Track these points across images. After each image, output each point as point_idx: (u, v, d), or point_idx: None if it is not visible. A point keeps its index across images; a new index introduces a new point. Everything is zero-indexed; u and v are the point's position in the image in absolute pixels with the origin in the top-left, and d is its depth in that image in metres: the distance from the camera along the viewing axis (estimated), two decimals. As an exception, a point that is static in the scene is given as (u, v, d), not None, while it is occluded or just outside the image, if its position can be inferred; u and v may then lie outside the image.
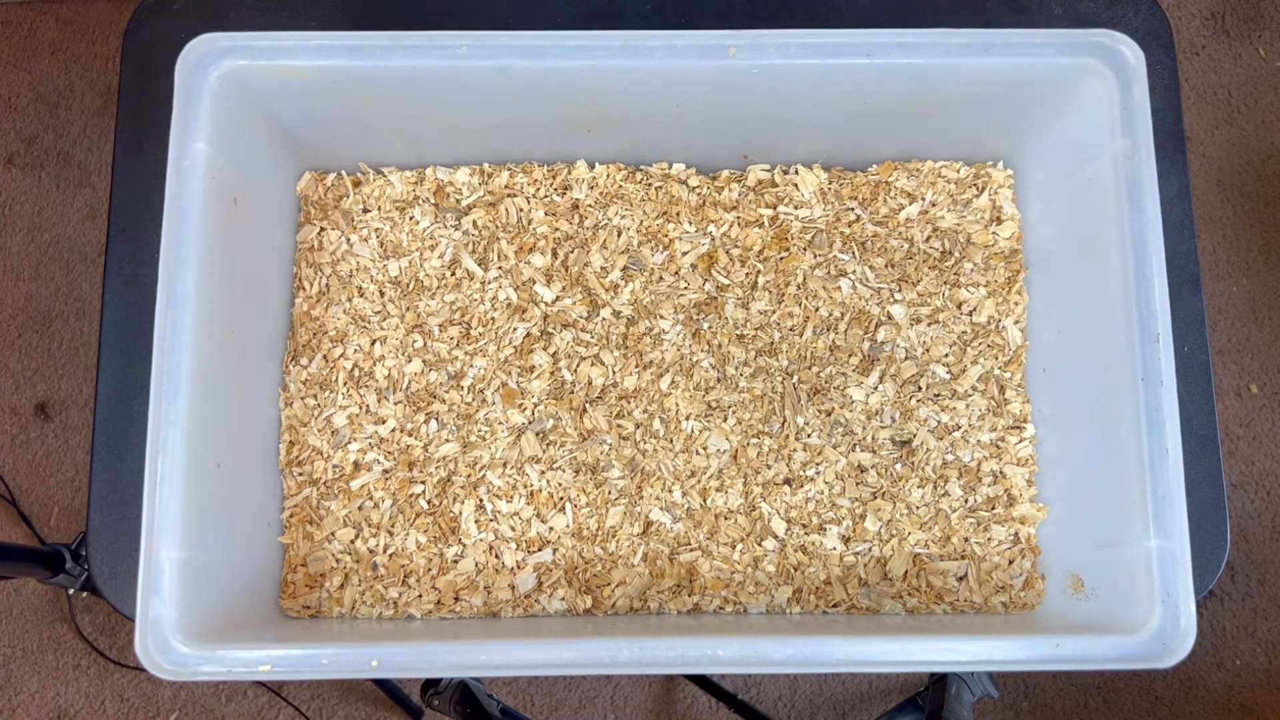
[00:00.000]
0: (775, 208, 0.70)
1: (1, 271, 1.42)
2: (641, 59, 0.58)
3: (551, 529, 0.66)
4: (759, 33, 0.58)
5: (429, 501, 0.66)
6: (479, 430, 0.67)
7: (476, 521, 0.66)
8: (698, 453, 0.67)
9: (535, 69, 0.59)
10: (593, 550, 0.65)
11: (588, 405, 0.67)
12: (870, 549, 0.66)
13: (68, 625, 1.34)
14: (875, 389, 0.67)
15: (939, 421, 0.67)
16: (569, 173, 0.71)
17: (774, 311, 0.69)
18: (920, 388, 0.68)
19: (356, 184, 0.71)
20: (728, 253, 0.70)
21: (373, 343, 0.68)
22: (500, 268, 0.69)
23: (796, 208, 0.70)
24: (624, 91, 0.61)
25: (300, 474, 0.66)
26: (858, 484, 0.66)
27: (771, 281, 0.69)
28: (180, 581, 0.54)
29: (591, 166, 0.71)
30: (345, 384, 0.67)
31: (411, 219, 0.70)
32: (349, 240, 0.70)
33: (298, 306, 0.69)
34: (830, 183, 0.71)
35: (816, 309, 0.69)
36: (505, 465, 0.66)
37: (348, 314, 0.69)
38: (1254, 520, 1.37)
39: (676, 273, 0.69)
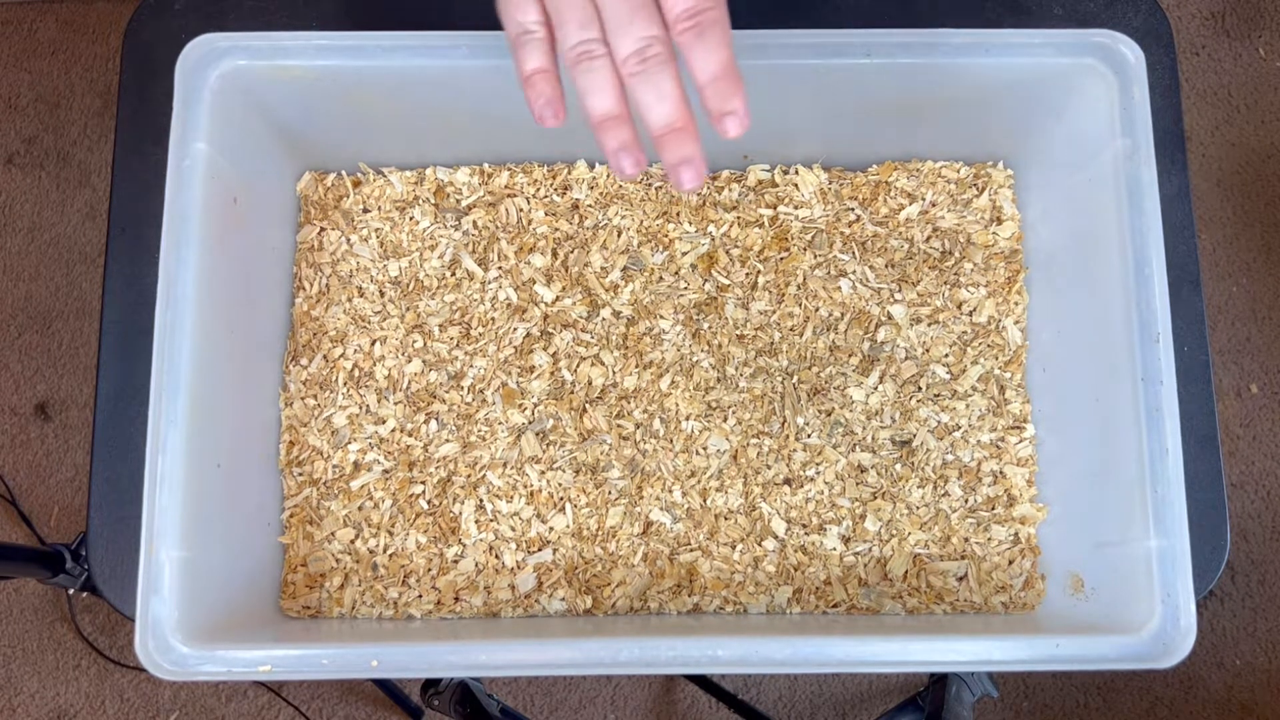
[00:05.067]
0: (775, 208, 0.70)
1: (1, 271, 1.43)
2: (641, 59, 0.58)
3: (551, 529, 0.66)
4: (759, 33, 0.58)
5: (429, 501, 0.66)
6: (479, 430, 0.67)
7: (476, 521, 0.66)
8: (698, 453, 0.67)
9: (535, 69, 0.59)
10: (593, 550, 0.65)
11: (588, 405, 0.67)
12: (870, 549, 0.66)
13: (68, 625, 1.34)
14: (875, 389, 0.67)
15: (939, 421, 0.67)
16: (569, 173, 0.71)
17: (774, 311, 0.69)
18: (920, 388, 0.68)
19: (356, 184, 0.71)
20: (728, 253, 0.70)
21: (373, 343, 0.68)
22: (500, 268, 0.69)
23: (796, 208, 0.70)
24: (624, 91, 0.61)
25: (300, 474, 0.66)
26: (858, 484, 0.66)
27: (771, 281, 0.69)
28: (180, 581, 0.54)
29: (591, 166, 0.71)
30: (345, 384, 0.67)
31: (411, 219, 0.70)
32: (349, 240, 0.70)
33: (298, 306, 0.69)
34: (830, 183, 0.71)
35: (816, 309, 0.69)
36: (505, 465, 0.66)
37: (348, 314, 0.69)
38: (1254, 520, 1.37)
39: (676, 273, 0.69)
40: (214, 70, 0.58)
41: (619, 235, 0.70)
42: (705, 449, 0.67)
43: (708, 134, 0.67)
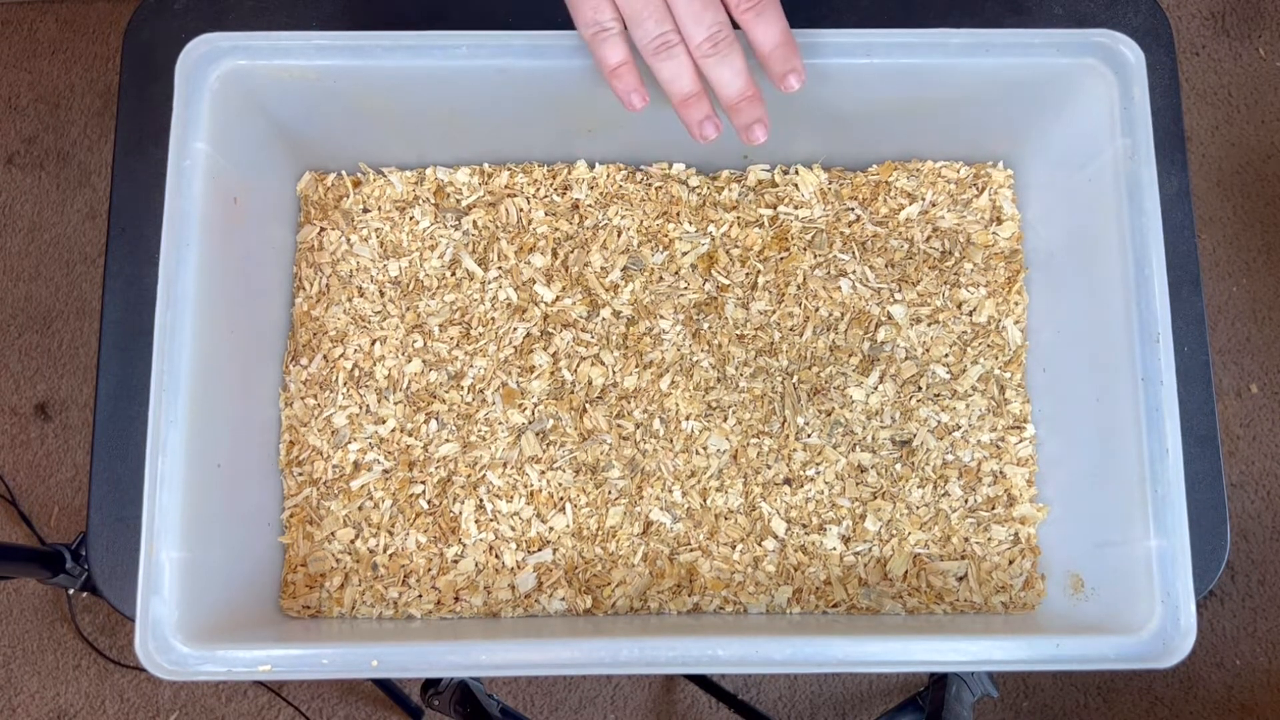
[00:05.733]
0: (775, 208, 0.70)
1: (1, 271, 1.43)
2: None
3: (551, 529, 0.66)
4: (759, 33, 0.58)
5: (429, 501, 0.66)
6: (479, 430, 0.67)
7: (476, 521, 0.66)
8: (698, 453, 0.67)
9: (535, 69, 0.59)
10: (593, 550, 0.65)
11: (588, 405, 0.67)
12: (870, 549, 0.66)
13: (68, 625, 1.34)
14: (875, 389, 0.67)
15: (939, 421, 0.67)
16: (569, 173, 0.71)
17: (774, 311, 0.69)
18: (920, 388, 0.68)
19: (356, 184, 0.71)
20: (728, 253, 0.70)
21: (373, 343, 0.68)
22: (500, 268, 0.69)
23: (796, 208, 0.70)
24: (624, 91, 0.61)
25: (300, 474, 0.66)
26: (858, 484, 0.66)
27: (771, 281, 0.69)
28: (180, 581, 0.54)
29: (591, 166, 0.71)
30: (345, 384, 0.67)
31: (411, 219, 0.70)
32: (349, 240, 0.70)
33: (298, 306, 0.69)
34: (830, 183, 0.71)
35: (816, 309, 0.69)
36: (505, 465, 0.66)
37: (348, 314, 0.69)
38: (1254, 520, 1.37)
39: (676, 273, 0.69)
40: (214, 70, 0.58)
41: (619, 235, 0.70)
42: (705, 449, 0.67)
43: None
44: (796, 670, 0.54)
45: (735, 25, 0.55)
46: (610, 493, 0.66)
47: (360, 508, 0.66)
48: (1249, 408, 1.39)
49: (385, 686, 1.28)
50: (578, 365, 0.68)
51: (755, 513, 0.66)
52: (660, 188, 0.70)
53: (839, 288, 0.69)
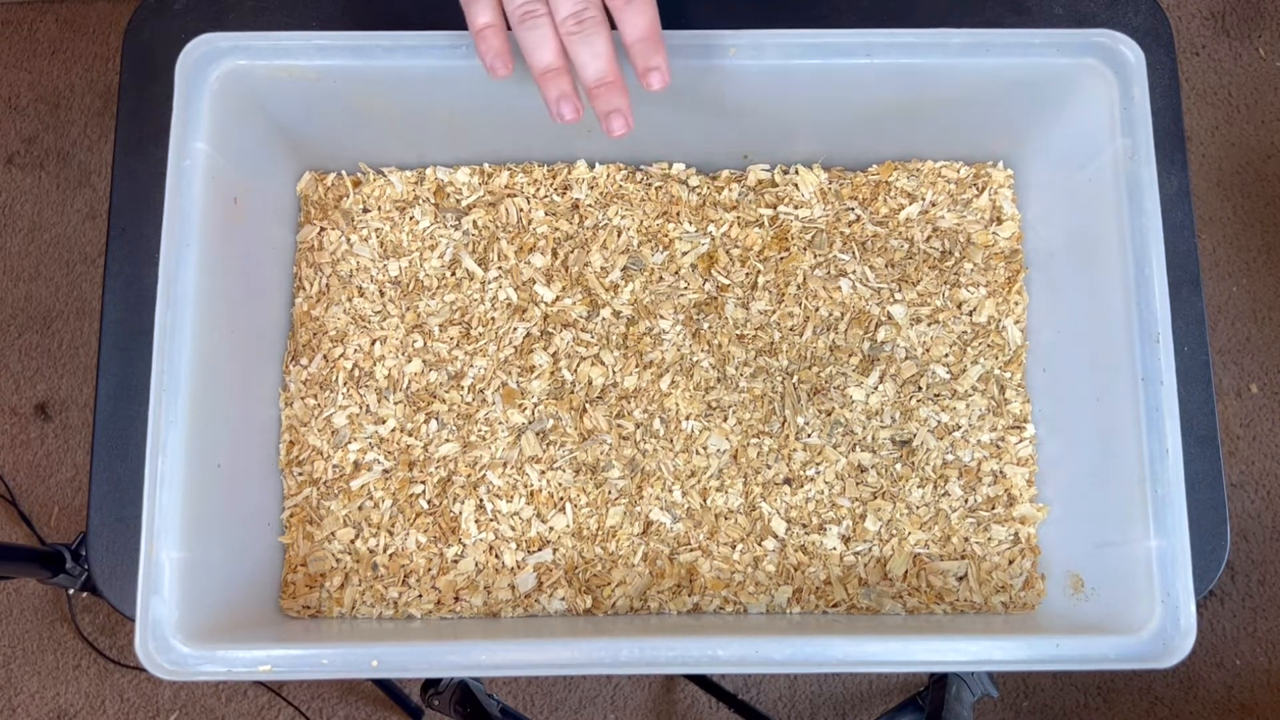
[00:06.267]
0: (775, 208, 0.70)
1: (1, 271, 1.43)
2: (641, 59, 0.58)
3: (551, 529, 0.66)
4: (759, 33, 0.58)
5: (429, 501, 0.66)
6: (479, 430, 0.67)
7: (476, 521, 0.66)
8: (698, 453, 0.67)
9: (535, 69, 0.59)
10: (593, 550, 0.65)
11: (588, 405, 0.67)
12: (870, 549, 0.66)
13: (68, 625, 1.34)
14: (875, 389, 0.67)
15: (939, 421, 0.67)
16: (569, 173, 0.71)
17: (774, 311, 0.69)
18: (920, 388, 0.68)
19: (356, 184, 0.71)
20: (728, 253, 0.70)
21: (373, 343, 0.68)
22: (500, 268, 0.69)
23: (796, 208, 0.70)
24: (624, 91, 0.61)
25: (300, 474, 0.66)
26: (858, 484, 0.66)
27: (771, 281, 0.69)
28: (180, 581, 0.54)
29: (591, 166, 0.71)
30: (345, 384, 0.67)
31: (411, 219, 0.70)
32: (349, 240, 0.70)
33: (298, 306, 0.69)
34: (830, 183, 0.71)
35: (816, 309, 0.69)
36: (505, 465, 0.66)
37: (348, 314, 0.69)
38: (1254, 520, 1.37)
39: (676, 273, 0.69)
40: (214, 70, 0.58)
41: (619, 235, 0.70)
42: (705, 449, 0.67)
43: (708, 134, 0.67)
44: (796, 670, 0.54)
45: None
46: (610, 493, 0.66)
47: (360, 508, 0.66)
48: (1249, 408, 1.39)
49: (385, 686, 1.28)
50: (578, 365, 0.68)
51: (755, 513, 0.66)
52: (660, 188, 0.70)
53: (839, 288, 0.69)
